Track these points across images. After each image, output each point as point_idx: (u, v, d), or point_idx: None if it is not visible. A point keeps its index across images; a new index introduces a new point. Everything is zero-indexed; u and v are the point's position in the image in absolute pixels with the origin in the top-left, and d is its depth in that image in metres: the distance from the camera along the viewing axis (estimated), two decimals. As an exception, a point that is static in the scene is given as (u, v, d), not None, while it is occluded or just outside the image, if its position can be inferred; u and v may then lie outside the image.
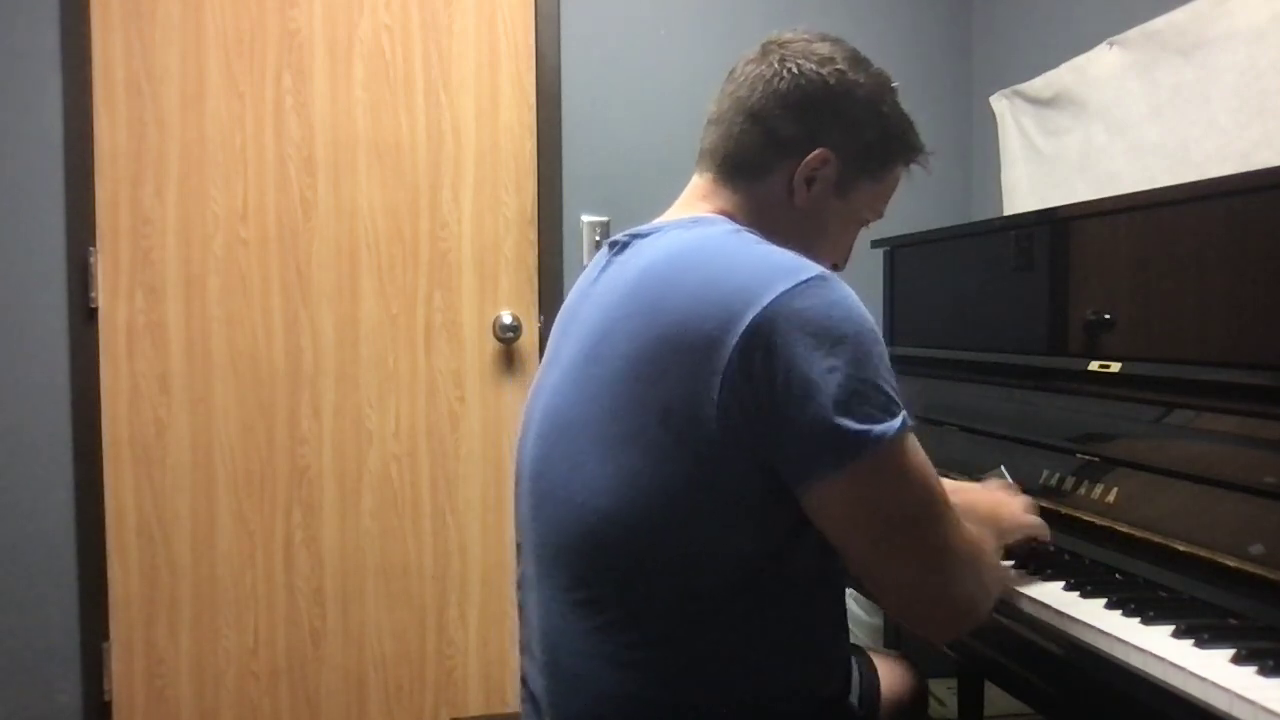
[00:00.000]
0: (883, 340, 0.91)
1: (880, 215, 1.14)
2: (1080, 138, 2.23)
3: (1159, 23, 1.97)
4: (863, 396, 0.87)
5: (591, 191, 2.46)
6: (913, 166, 1.12)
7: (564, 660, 0.97)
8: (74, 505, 2.23)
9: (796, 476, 0.89)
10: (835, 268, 1.12)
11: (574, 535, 0.96)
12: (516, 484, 1.09)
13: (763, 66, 1.05)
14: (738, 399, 0.87)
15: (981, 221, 2.26)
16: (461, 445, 2.44)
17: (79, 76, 2.21)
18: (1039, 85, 2.37)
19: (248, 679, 2.34)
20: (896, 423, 0.88)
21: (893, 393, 0.89)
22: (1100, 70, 2.14)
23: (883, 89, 1.07)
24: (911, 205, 2.66)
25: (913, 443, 0.91)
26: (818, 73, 1.03)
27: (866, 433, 0.86)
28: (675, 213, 1.09)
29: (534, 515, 1.02)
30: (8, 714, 2.19)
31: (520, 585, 1.09)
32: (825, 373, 0.86)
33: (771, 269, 0.91)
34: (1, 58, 2.17)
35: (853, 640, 2.33)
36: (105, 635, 2.26)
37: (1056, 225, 1.60)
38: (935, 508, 0.91)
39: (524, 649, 1.07)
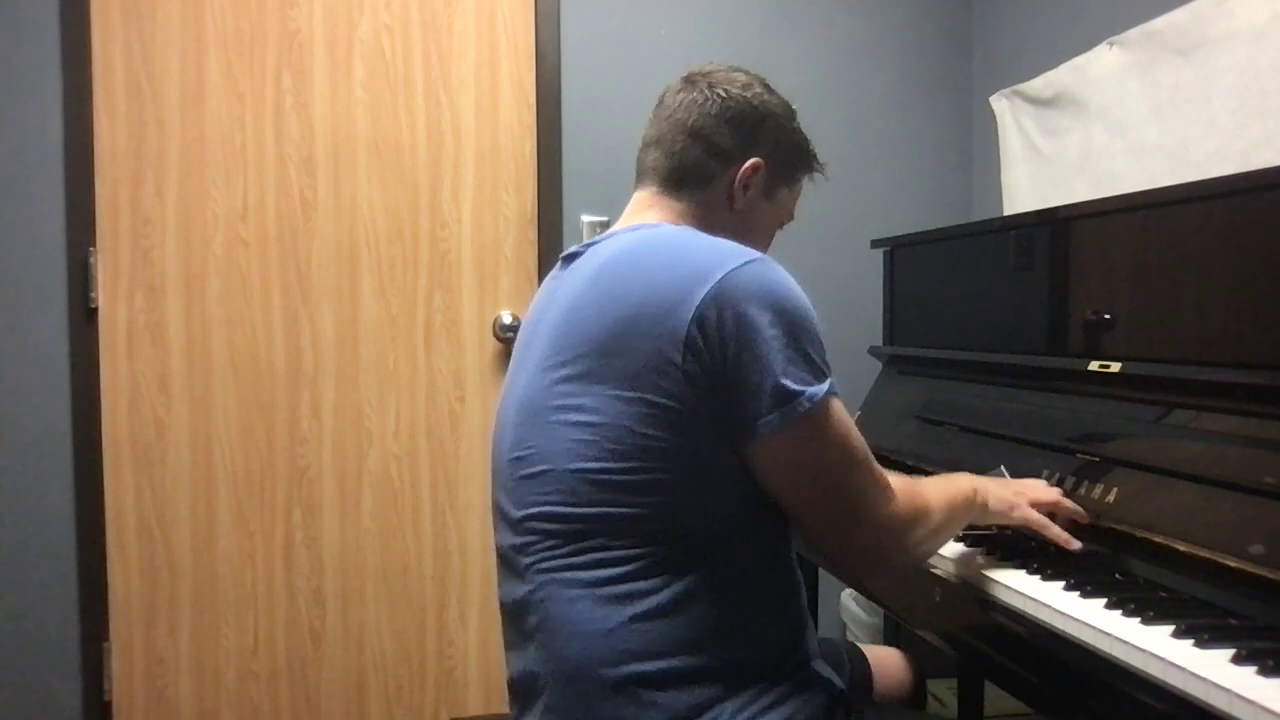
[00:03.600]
0: (814, 316, 1.04)
1: (792, 217, 1.31)
2: (1080, 138, 2.23)
3: (1159, 23, 1.97)
4: (797, 361, 1.00)
5: (591, 191, 2.46)
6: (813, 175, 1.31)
7: (555, 610, 1.03)
8: (74, 505, 2.23)
9: (743, 432, 1.00)
10: None
11: (554, 498, 1.04)
12: (494, 476, 1.16)
13: (694, 94, 1.20)
14: (698, 361, 0.99)
15: (981, 221, 2.27)
16: (461, 445, 2.44)
17: (79, 76, 2.21)
18: (1039, 85, 2.37)
19: (248, 679, 2.34)
20: (825, 386, 1.01)
21: (821, 362, 1.03)
22: (1100, 70, 2.14)
23: (790, 110, 1.26)
24: (911, 205, 2.69)
25: (838, 406, 1.03)
26: (743, 95, 1.20)
27: (801, 392, 0.99)
28: (622, 223, 1.22)
29: (514, 491, 1.09)
30: (8, 714, 2.19)
31: (503, 582, 1.13)
32: (769, 339, 1.00)
33: (720, 252, 1.05)
34: (1, 58, 2.18)
35: (851, 639, 2.35)
36: (105, 635, 2.26)
37: (1056, 225, 1.60)
38: (854, 464, 1.04)
39: (510, 643, 1.13)
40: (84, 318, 2.23)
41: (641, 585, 1.00)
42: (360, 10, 2.36)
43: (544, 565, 1.04)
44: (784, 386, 0.99)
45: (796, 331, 1.01)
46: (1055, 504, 1.25)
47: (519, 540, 1.07)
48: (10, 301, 2.19)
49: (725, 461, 1.02)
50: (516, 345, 1.21)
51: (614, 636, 1.00)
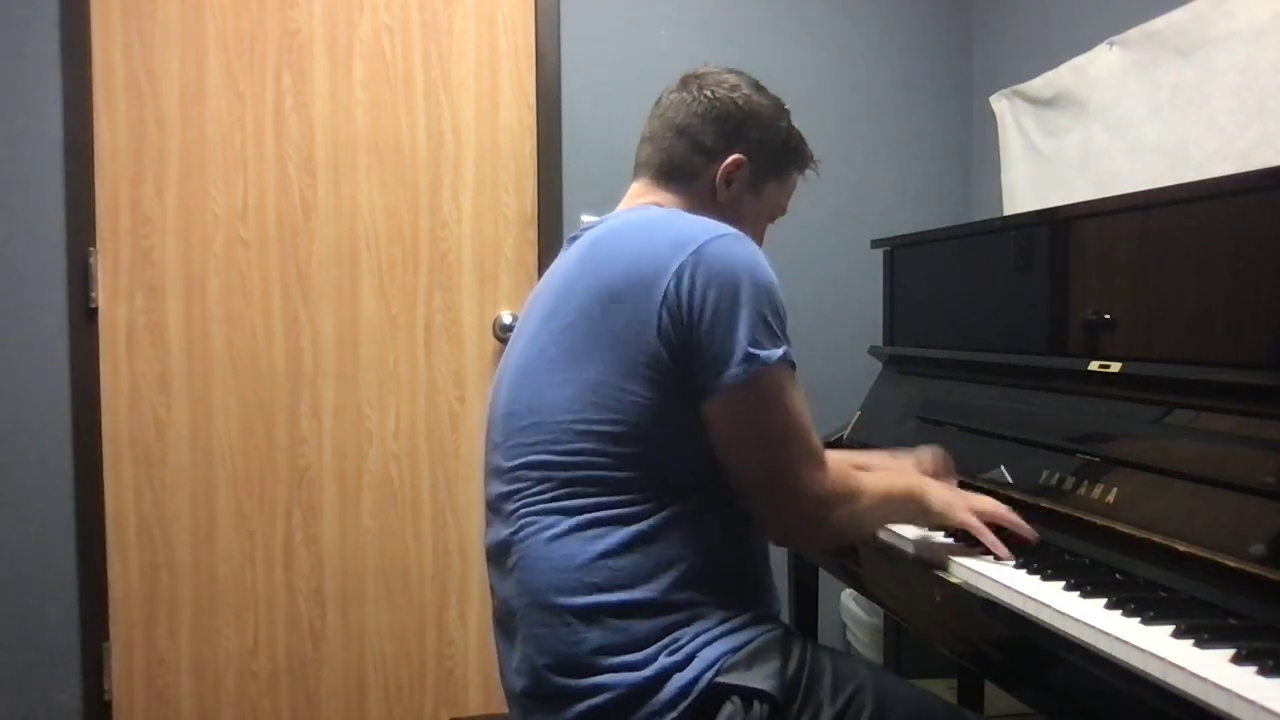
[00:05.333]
0: (778, 289, 1.13)
1: (784, 212, 1.39)
2: (1080, 138, 2.23)
3: (1159, 23, 1.97)
4: (757, 327, 1.09)
5: (591, 191, 2.46)
6: (807, 173, 1.39)
7: (532, 548, 1.12)
8: (74, 505, 2.23)
9: (703, 386, 1.09)
10: None
11: (541, 449, 1.13)
12: (488, 433, 1.27)
13: (684, 94, 1.30)
14: (673, 321, 1.09)
15: (981, 221, 2.27)
16: (461, 445, 2.44)
17: (79, 76, 2.21)
18: (1039, 85, 2.37)
19: (248, 679, 2.34)
20: (779, 352, 1.10)
21: (779, 330, 1.12)
22: (1100, 70, 2.14)
23: (780, 109, 1.33)
24: (911, 205, 2.69)
25: (790, 376, 1.12)
26: (728, 96, 1.28)
27: (756, 355, 1.08)
28: (619, 209, 1.31)
29: (505, 444, 1.19)
30: (8, 714, 2.19)
31: (490, 524, 1.25)
32: (734, 304, 1.09)
33: (698, 227, 1.15)
34: (1, 58, 2.18)
35: (850, 639, 2.32)
36: (105, 635, 2.26)
37: (1056, 225, 1.60)
38: (792, 431, 1.11)
39: (493, 585, 1.23)
40: (84, 318, 2.23)
41: (612, 528, 1.09)
42: (360, 10, 2.36)
43: (527, 509, 1.13)
44: (743, 348, 1.08)
45: (759, 299, 1.10)
46: (997, 517, 1.27)
47: (507, 489, 1.17)
48: (10, 301, 2.19)
49: (695, 418, 1.11)
50: (523, 310, 1.31)
51: (583, 570, 1.08)
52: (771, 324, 1.11)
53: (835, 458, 1.18)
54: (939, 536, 1.36)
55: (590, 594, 1.08)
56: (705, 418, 1.11)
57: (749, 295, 1.09)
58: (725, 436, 1.11)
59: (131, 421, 2.27)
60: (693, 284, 1.09)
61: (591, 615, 1.07)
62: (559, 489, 1.12)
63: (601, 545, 1.09)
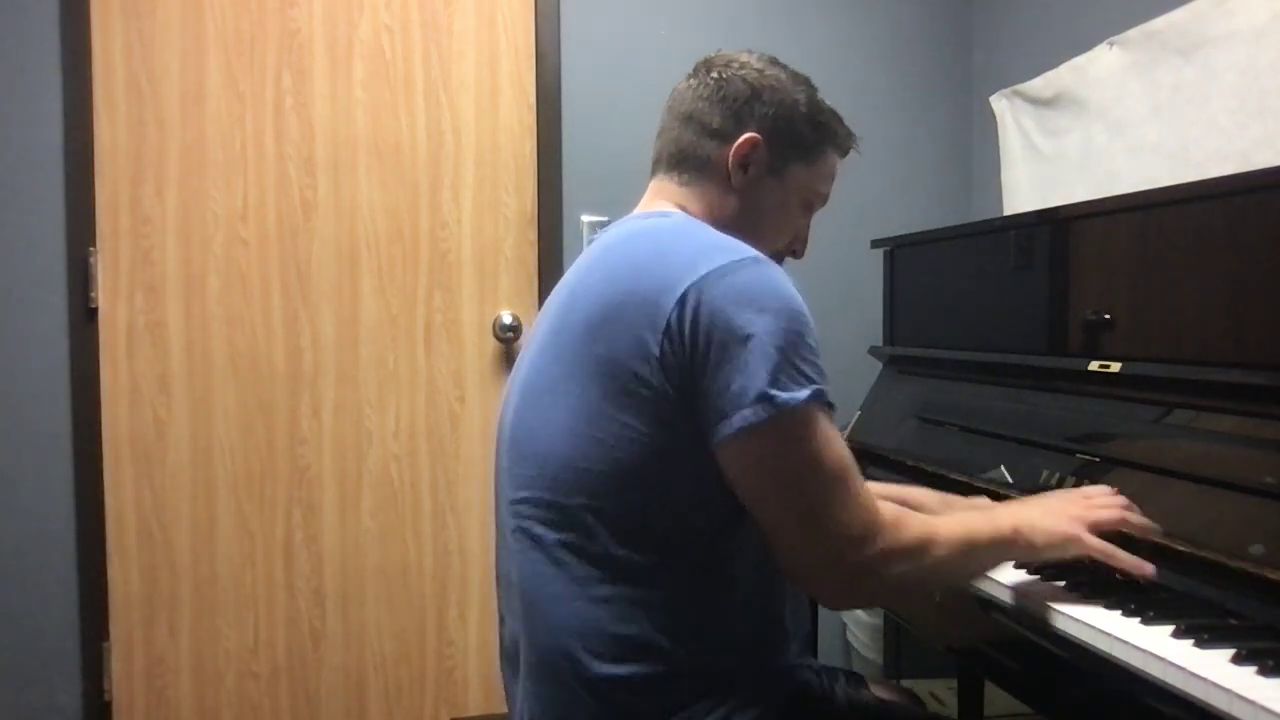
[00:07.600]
0: (808, 322, 0.99)
1: (824, 200, 1.26)
2: (1080, 138, 2.23)
3: (1159, 23, 1.97)
4: (776, 364, 0.95)
5: (591, 191, 2.46)
6: (845, 150, 1.27)
7: (538, 597, 1.04)
8: (74, 505, 2.23)
9: (713, 430, 0.97)
10: (795, 254, 1.26)
11: (542, 485, 1.04)
12: (497, 454, 1.18)
13: (694, 80, 1.19)
14: (674, 353, 0.97)
15: (981, 221, 2.26)
16: (461, 445, 2.44)
17: (79, 76, 2.21)
18: (1039, 85, 2.37)
19: (248, 679, 2.34)
20: (804, 394, 0.95)
21: (806, 368, 0.97)
22: (1100, 70, 2.14)
23: (800, 83, 1.19)
24: (911, 205, 2.69)
25: (820, 417, 0.97)
26: (737, 74, 1.17)
27: (774, 396, 0.94)
28: (636, 211, 1.21)
29: (511, 470, 1.10)
30: (8, 714, 2.19)
31: (499, 553, 1.16)
32: (745, 339, 0.95)
33: (712, 248, 1.02)
34: (2, 57, 2.18)
35: (850, 638, 2.33)
36: (105, 635, 2.26)
37: (1056, 225, 1.60)
38: (822, 478, 0.96)
39: (502, 618, 1.17)
40: (84, 318, 2.23)
41: (618, 589, 1.00)
42: (360, 10, 2.36)
43: (532, 554, 1.05)
44: (758, 389, 0.94)
45: (778, 332, 0.96)
46: (1121, 524, 1.10)
47: (513, 522, 1.09)
48: (10, 301, 2.19)
49: (702, 458, 0.98)
50: (535, 321, 1.22)
51: (588, 638, 1.01)
52: (794, 361, 0.96)
53: (890, 503, 1.02)
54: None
55: (597, 663, 1.00)
56: (722, 466, 0.98)
57: (766, 330, 0.95)
58: (745, 489, 0.98)
59: (131, 421, 2.27)
60: (696, 315, 0.96)
61: (596, 687, 1.00)
62: (561, 536, 1.03)
63: (607, 610, 1.01)
